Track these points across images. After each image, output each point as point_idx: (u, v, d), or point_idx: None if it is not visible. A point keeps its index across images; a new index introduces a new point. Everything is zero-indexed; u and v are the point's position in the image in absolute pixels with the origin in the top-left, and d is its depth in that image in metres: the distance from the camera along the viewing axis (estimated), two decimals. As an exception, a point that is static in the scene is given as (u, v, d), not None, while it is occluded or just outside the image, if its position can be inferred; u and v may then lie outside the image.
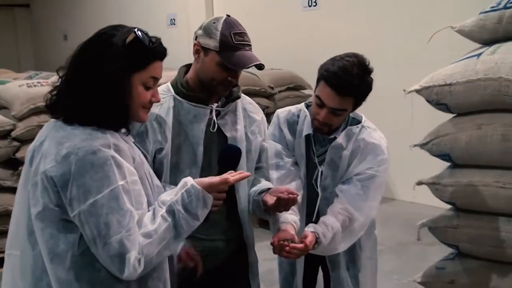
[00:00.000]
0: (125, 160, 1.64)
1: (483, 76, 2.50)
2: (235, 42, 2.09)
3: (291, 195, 2.06)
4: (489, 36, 2.69)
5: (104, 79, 1.64)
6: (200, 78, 2.17)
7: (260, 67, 2.12)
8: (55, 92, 1.72)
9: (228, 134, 2.22)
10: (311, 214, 2.40)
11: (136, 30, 1.70)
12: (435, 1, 5.52)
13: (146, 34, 1.72)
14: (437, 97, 2.68)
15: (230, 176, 1.80)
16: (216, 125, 2.20)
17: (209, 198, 1.73)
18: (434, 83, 2.67)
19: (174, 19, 8.59)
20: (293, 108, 2.52)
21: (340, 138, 2.38)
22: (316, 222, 2.31)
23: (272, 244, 2.14)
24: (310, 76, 6.28)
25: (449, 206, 2.83)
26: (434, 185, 2.76)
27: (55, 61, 1.73)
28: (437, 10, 5.45)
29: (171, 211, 1.68)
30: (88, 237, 1.59)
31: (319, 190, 2.41)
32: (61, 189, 1.59)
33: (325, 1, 6.70)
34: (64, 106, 1.67)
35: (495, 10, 2.65)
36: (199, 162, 2.16)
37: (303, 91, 6.38)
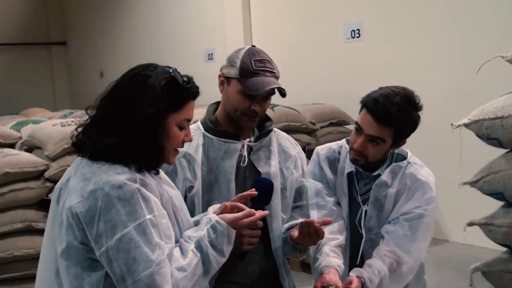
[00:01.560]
0: (152, 194, 1.67)
1: (537, 109, 2.46)
2: (255, 68, 2.14)
3: (315, 225, 2.03)
4: (542, 66, 2.65)
5: (141, 122, 1.67)
6: (227, 111, 2.21)
7: (280, 91, 2.15)
8: (81, 130, 1.77)
9: (261, 170, 2.23)
10: (355, 258, 2.37)
11: (171, 70, 1.75)
12: (485, 29, 5.47)
13: (179, 73, 1.77)
14: (488, 131, 2.64)
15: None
16: (247, 160, 2.21)
17: (232, 233, 1.76)
18: (484, 117, 2.64)
19: (212, 53, 8.74)
20: (333, 145, 2.52)
21: (385, 175, 2.36)
22: (360, 266, 2.27)
23: None
24: (354, 111, 6.27)
25: (504, 249, 2.75)
26: (487, 226, 2.69)
27: (91, 98, 1.77)
28: (487, 39, 5.39)
29: (199, 247, 1.72)
30: (116, 275, 1.60)
31: (363, 231, 2.38)
32: (87, 225, 1.61)
33: (368, 32, 6.71)
34: (93, 144, 1.71)
35: (548, 38, 2.61)
36: (231, 199, 2.17)
37: (346, 126, 6.34)
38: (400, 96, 2.24)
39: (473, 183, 2.72)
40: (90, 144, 1.72)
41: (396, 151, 2.41)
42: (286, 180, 2.28)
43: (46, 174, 4.64)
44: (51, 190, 4.62)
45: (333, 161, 2.48)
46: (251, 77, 2.12)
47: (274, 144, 2.31)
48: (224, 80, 2.20)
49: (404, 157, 2.41)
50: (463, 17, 5.71)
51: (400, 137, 2.30)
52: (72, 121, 5.14)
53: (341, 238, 2.33)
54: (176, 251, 1.70)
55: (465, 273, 2.89)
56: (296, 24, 7.60)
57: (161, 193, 1.73)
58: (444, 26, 5.92)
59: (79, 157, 1.78)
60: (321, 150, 2.53)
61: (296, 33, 7.56)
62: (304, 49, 7.43)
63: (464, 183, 2.73)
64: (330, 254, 2.25)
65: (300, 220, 2.27)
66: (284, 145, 2.35)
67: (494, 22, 5.40)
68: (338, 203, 2.44)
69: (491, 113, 2.62)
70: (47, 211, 4.63)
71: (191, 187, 2.16)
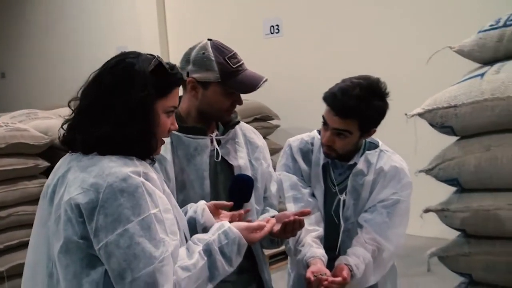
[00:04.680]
0: (156, 189, 1.61)
1: (490, 96, 2.55)
2: (234, 67, 2.10)
3: (296, 217, 2.02)
4: (490, 55, 2.75)
5: (132, 107, 1.61)
6: (203, 110, 2.15)
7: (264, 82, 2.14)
8: (69, 124, 1.68)
9: (233, 163, 2.19)
10: (331, 249, 2.36)
11: (157, 56, 1.69)
12: (426, 22, 5.66)
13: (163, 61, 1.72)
14: (442, 120, 2.71)
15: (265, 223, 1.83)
16: (220, 155, 2.16)
17: (244, 245, 1.72)
18: (438, 106, 2.71)
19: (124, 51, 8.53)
20: (305, 136, 2.52)
21: (360, 164, 2.38)
22: (337, 256, 2.28)
23: (307, 279, 2.11)
24: (277, 106, 6.37)
25: (447, 236, 2.85)
26: (443, 212, 2.77)
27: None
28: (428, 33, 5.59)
29: (207, 251, 1.66)
30: (114, 272, 1.52)
31: (341, 220, 2.38)
32: (87, 218, 1.53)
33: (288, 27, 6.78)
34: (85, 137, 1.62)
35: (495, 28, 2.73)
36: (207, 198, 2.11)
37: (270, 121, 6.38)
38: (360, 87, 2.26)
39: (428, 171, 2.79)
40: (82, 137, 1.62)
41: (368, 140, 2.44)
42: (256, 172, 2.25)
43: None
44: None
45: (306, 152, 2.48)
46: (233, 77, 2.08)
47: (240, 136, 2.28)
48: (197, 85, 2.12)
49: (376, 146, 2.45)
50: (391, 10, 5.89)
51: (368, 127, 2.33)
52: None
53: (320, 230, 2.35)
54: (182, 250, 1.64)
55: (421, 260, 2.95)
56: (213, 19, 7.55)
57: (163, 187, 1.68)
58: (369, 19, 6.07)
59: (68, 154, 1.70)
60: (293, 142, 2.52)
61: (213, 28, 7.49)
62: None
63: (420, 171, 2.79)
64: (313, 245, 2.26)
65: (273, 212, 2.25)
66: (250, 136, 2.33)
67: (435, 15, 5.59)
68: (313, 195, 2.43)
69: (444, 102, 2.69)
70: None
71: None
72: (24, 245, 4.56)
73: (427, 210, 2.80)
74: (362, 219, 2.36)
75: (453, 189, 2.83)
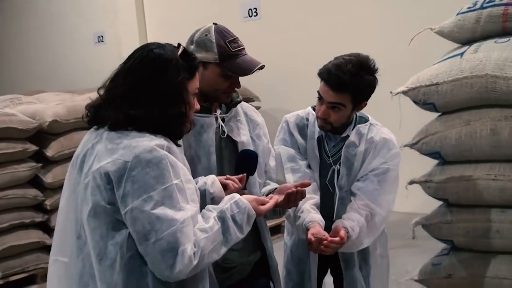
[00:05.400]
0: (178, 161, 1.76)
1: (469, 74, 2.74)
2: (233, 50, 2.23)
3: (299, 188, 2.19)
4: (468, 36, 2.95)
5: (169, 91, 1.77)
6: (202, 90, 2.27)
7: (262, 67, 2.26)
8: (100, 107, 1.83)
9: (237, 139, 2.34)
10: (329, 216, 2.54)
11: (178, 43, 1.87)
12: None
13: None
14: (424, 97, 2.90)
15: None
16: (221, 132, 2.31)
17: (253, 215, 1.87)
18: (421, 84, 2.89)
19: (102, 36, 8.54)
20: (300, 112, 2.68)
21: (353, 136, 2.56)
22: (333, 223, 2.46)
23: (308, 240, 2.30)
24: (256, 88, 6.50)
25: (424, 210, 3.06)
26: (427, 183, 2.97)
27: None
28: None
29: (221, 217, 1.81)
30: (139, 234, 1.67)
31: (336, 189, 2.56)
32: (116, 185, 1.68)
33: (266, 10, 6.88)
34: (119, 116, 1.76)
35: (473, 10, 2.91)
36: (213, 171, 2.25)
37: (251, 103, 6.51)
38: (352, 64, 2.42)
39: (412, 145, 2.98)
40: (119, 117, 1.76)
41: (359, 114, 2.62)
42: (257, 147, 2.40)
43: None
44: None
45: (302, 127, 2.65)
46: (231, 60, 2.21)
47: (241, 114, 2.43)
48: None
49: (366, 120, 2.63)
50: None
51: (359, 100, 2.50)
52: None
53: (317, 197, 2.52)
54: (199, 216, 1.78)
55: (401, 233, 3.12)
56: (191, 2, 7.59)
57: (183, 162, 1.82)
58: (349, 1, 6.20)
59: (93, 129, 1.84)
60: (290, 118, 2.68)
61: (191, 12, 7.53)
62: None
63: (405, 146, 2.97)
64: (312, 211, 2.43)
65: (274, 185, 2.42)
66: (250, 114, 2.47)
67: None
68: (309, 166, 2.61)
69: (427, 80, 2.87)
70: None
71: None
72: (15, 228, 4.69)
73: (411, 182, 3.00)
74: (355, 188, 2.55)
75: (433, 163, 3.03)
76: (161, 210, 1.66)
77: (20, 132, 4.72)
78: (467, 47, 2.90)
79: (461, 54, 2.86)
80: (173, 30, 7.55)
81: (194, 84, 1.86)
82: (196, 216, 1.75)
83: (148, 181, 1.67)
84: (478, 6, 2.91)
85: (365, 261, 2.64)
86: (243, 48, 2.28)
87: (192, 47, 2.25)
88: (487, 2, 2.87)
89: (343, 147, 2.56)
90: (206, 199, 2.05)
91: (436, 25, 3.04)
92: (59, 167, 4.93)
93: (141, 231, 1.66)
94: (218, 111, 2.34)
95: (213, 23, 2.28)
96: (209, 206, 1.87)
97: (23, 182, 4.76)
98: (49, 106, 5.19)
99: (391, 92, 2.93)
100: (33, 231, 4.84)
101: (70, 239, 1.80)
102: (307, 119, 2.65)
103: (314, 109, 2.63)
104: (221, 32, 2.25)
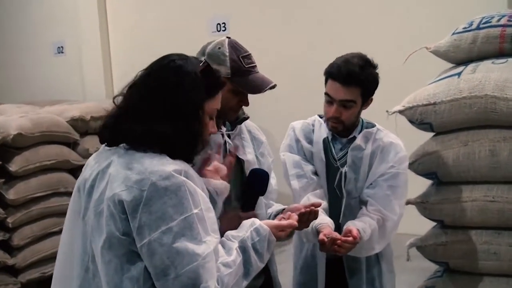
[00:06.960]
0: (196, 187, 1.65)
1: (468, 94, 2.72)
2: (246, 66, 2.14)
3: (312, 208, 2.12)
4: (464, 56, 2.94)
5: (183, 105, 1.65)
6: None
7: (273, 87, 2.18)
8: (112, 120, 1.70)
9: (243, 158, 2.26)
10: (336, 224, 2.50)
11: (203, 59, 1.77)
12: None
13: None
14: (421, 117, 2.86)
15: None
16: (227, 149, 2.22)
17: (273, 241, 1.78)
18: (418, 103, 2.86)
19: (62, 47, 8.30)
20: (307, 120, 2.70)
21: (359, 140, 2.57)
22: (340, 228, 2.44)
23: (320, 241, 2.26)
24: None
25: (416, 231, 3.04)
26: (422, 204, 2.93)
27: None
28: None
29: (242, 247, 1.71)
30: (157, 269, 1.55)
31: (344, 193, 2.54)
32: (130, 215, 1.56)
33: (234, 25, 6.82)
34: (130, 132, 1.65)
35: (469, 31, 2.91)
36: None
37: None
38: (357, 58, 2.49)
39: (409, 165, 2.94)
40: (126, 132, 1.65)
41: (365, 120, 2.65)
42: (262, 166, 2.33)
43: None
44: None
45: (308, 133, 2.65)
46: (243, 76, 2.12)
47: (245, 132, 2.35)
48: None
49: (373, 125, 2.66)
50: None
51: (368, 94, 2.53)
52: None
53: (325, 202, 2.50)
54: (220, 248, 1.68)
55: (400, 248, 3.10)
56: (156, 14, 7.42)
57: (202, 186, 1.70)
58: (323, 17, 6.18)
59: (103, 148, 1.72)
60: (296, 124, 2.69)
61: (156, 24, 7.39)
62: (166, 41, 7.28)
63: (401, 166, 2.93)
64: (321, 214, 2.37)
65: (278, 206, 2.36)
66: (254, 132, 2.41)
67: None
68: (316, 173, 2.58)
69: (424, 99, 2.85)
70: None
71: None
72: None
73: (407, 203, 2.95)
74: (365, 195, 2.54)
75: (425, 183, 3.00)
76: (181, 244, 1.54)
77: (-17, 146, 4.50)
78: (464, 67, 2.89)
79: (458, 74, 2.84)
80: (136, 44, 7.42)
81: (213, 105, 1.75)
82: (217, 248, 1.64)
83: (166, 210, 1.55)
84: (474, 26, 2.91)
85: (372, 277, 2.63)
86: (256, 66, 2.18)
87: (203, 59, 2.16)
88: (484, 23, 2.88)
89: (349, 149, 2.56)
90: None
91: (432, 44, 3.03)
92: (23, 183, 4.69)
93: (159, 265, 1.55)
94: (223, 128, 2.25)
95: (227, 37, 2.19)
96: (229, 234, 1.75)
97: (-15, 197, 4.53)
98: (12, 118, 4.95)
99: (387, 111, 2.89)
100: (-7, 250, 4.60)
101: (76, 272, 1.67)
102: (313, 125, 2.66)
103: (320, 117, 2.65)
104: (235, 46, 2.16)
